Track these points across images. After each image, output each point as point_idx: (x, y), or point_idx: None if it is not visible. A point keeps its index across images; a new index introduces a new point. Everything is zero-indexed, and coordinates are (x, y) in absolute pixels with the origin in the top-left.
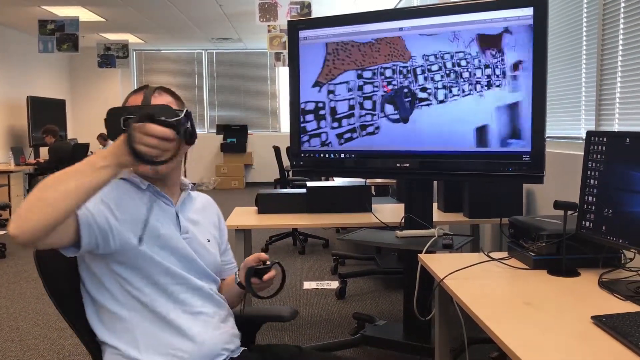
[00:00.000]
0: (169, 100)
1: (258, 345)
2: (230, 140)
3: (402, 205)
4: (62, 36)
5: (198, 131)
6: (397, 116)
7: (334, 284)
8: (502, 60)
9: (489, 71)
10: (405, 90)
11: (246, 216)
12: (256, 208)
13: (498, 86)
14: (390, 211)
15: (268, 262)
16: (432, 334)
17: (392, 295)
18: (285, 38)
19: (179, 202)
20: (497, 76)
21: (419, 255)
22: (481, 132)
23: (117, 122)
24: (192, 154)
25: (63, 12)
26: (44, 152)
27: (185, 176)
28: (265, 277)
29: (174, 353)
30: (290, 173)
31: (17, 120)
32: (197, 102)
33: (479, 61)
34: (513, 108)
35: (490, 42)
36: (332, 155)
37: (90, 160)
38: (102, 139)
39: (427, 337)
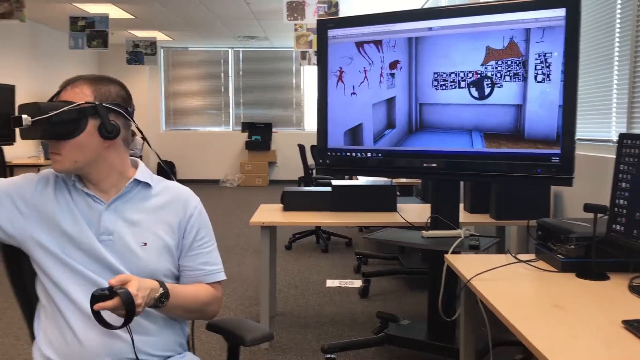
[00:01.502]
0: (83, 91)
1: None
2: (255, 138)
3: (427, 206)
4: (92, 33)
5: (223, 129)
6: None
7: (357, 283)
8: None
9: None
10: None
11: (271, 213)
12: (281, 205)
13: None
14: (415, 211)
15: (117, 289)
16: (457, 334)
17: (415, 295)
18: (311, 37)
19: (114, 199)
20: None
21: (445, 255)
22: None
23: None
24: (217, 151)
25: (94, 9)
26: None
27: (210, 173)
28: (96, 306)
29: (63, 354)
30: (314, 171)
31: None
32: (222, 100)
33: (513, 64)
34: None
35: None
36: (359, 154)
37: None
38: None
39: (451, 338)
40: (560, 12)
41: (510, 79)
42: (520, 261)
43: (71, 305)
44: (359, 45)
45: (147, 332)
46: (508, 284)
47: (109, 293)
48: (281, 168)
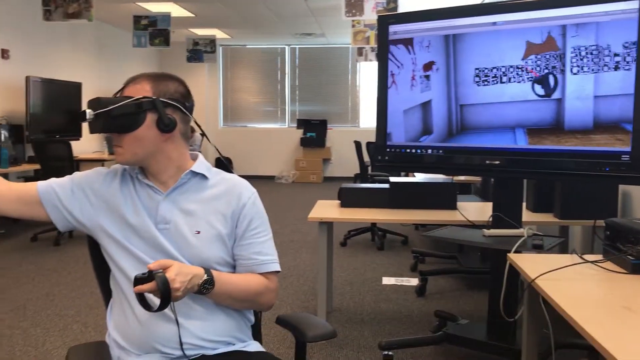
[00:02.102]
0: (144, 88)
1: (250, 352)
2: (310, 134)
3: (487, 204)
4: (154, 31)
5: (279, 125)
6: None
7: (414, 281)
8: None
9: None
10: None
11: (329, 209)
12: (338, 201)
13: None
14: (475, 209)
15: (155, 273)
16: (518, 335)
17: (473, 295)
18: (369, 33)
19: (171, 190)
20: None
21: (508, 254)
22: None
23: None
24: (273, 148)
25: (156, 8)
26: None
27: (265, 169)
28: (135, 289)
29: (126, 336)
30: (370, 168)
31: None
32: (278, 97)
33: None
34: None
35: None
36: (419, 151)
37: None
38: None
39: (511, 339)
40: (633, 5)
41: (549, 72)
42: (587, 262)
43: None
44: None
45: (200, 317)
46: (575, 285)
47: (148, 276)
48: (335, 165)
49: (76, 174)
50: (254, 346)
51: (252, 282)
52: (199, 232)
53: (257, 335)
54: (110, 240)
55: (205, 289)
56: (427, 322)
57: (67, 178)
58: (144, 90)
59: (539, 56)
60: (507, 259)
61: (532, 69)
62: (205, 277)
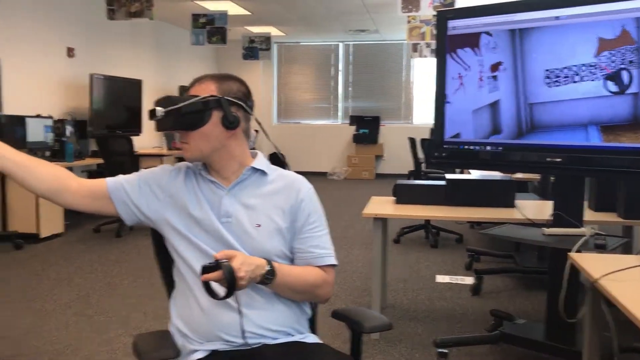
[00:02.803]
0: (209, 87)
1: (308, 343)
2: (363, 131)
3: (546, 202)
4: (212, 29)
5: (331, 122)
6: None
7: (469, 280)
8: None
9: None
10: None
11: (383, 205)
12: (392, 198)
13: None
14: (534, 208)
15: (222, 262)
16: (577, 337)
17: (531, 295)
18: (424, 28)
19: (233, 185)
20: None
21: (569, 254)
22: None
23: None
24: (325, 144)
25: (214, 6)
26: None
27: (317, 165)
28: (202, 277)
29: (189, 324)
30: (423, 165)
31: None
32: (332, 93)
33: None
34: None
35: None
36: (477, 147)
37: None
38: None
39: (571, 340)
40: None
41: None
42: None
43: (197, 280)
44: (452, 50)
45: (261, 307)
46: None
47: (215, 266)
48: (388, 162)
49: (143, 171)
50: (312, 338)
51: (310, 274)
52: (259, 226)
53: (312, 328)
54: (175, 233)
55: (267, 279)
56: (482, 321)
57: (134, 175)
58: (209, 90)
59: (613, 52)
60: (568, 258)
61: (606, 65)
62: (267, 267)
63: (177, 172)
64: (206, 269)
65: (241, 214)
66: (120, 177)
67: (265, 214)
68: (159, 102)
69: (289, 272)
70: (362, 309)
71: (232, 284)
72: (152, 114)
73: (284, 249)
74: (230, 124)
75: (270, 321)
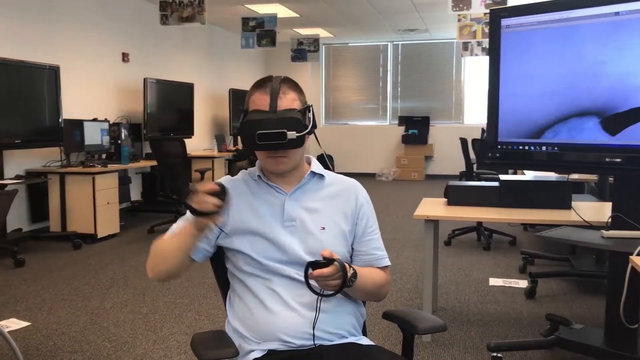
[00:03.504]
0: (294, 97)
1: (363, 345)
2: (412, 131)
3: (604, 204)
4: (261, 32)
5: (380, 123)
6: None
7: (523, 283)
8: None
9: None
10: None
11: (435, 207)
12: (443, 199)
13: None
14: (591, 209)
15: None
16: (639, 343)
17: (588, 299)
18: (475, 27)
19: (295, 189)
20: None
21: (630, 257)
22: None
23: (253, 137)
24: (374, 145)
25: (263, 9)
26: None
27: (366, 166)
28: (316, 272)
29: (248, 325)
30: (475, 166)
31: (220, 110)
32: (380, 94)
33: None
34: None
35: None
36: (532, 147)
37: (182, 225)
38: None
39: (632, 346)
40: None
41: None
42: None
43: (259, 282)
44: (505, 49)
45: (324, 310)
46: None
47: (325, 262)
48: (438, 162)
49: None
50: (365, 340)
51: (377, 275)
52: (324, 228)
53: (363, 331)
54: (238, 254)
55: (351, 281)
56: (537, 326)
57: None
58: (295, 101)
59: None
60: (629, 261)
61: None
62: (352, 270)
63: (243, 179)
64: (314, 265)
65: (305, 217)
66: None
67: (329, 217)
68: (282, 123)
69: (364, 275)
70: (414, 310)
71: (344, 279)
72: (282, 136)
73: (346, 252)
74: (312, 133)
75: (331, 324)
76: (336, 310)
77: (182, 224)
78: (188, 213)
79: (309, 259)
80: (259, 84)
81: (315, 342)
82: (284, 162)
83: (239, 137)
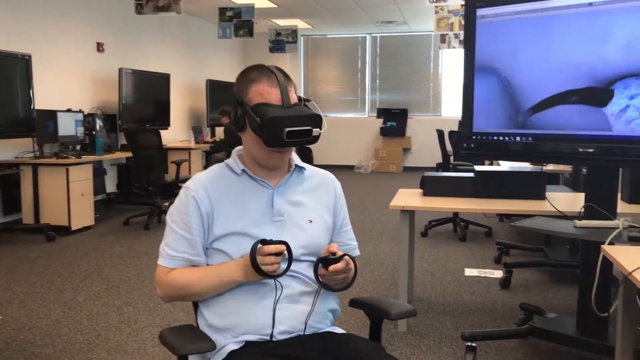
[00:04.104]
0: (294, 90)
1: (338, 334)
2: (390, 124)
3: (578, 194)
4: (239, 23)
5: (359, 115)
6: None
7: (498, 273)
8: None
9: None
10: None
11: (411, 197)
12: (420, 190)
13: None
14: (565, 200)
15: (338, 254)
16: (610, 331)
17: (561, 289)
18: (453, 19)
19: (281, 184)
20: None
21: (602, 246)
22: None
23: (280, 133)
24: (352, 138)
25: None
26: (219, 131)
27: (344, 158)
28: (331, 267)
29: (225, 319)
30: (452, 157)
31: (197, 101)
32: (359, 86)
33: None
34: None
35: None
36: (507, 138)
37: (229, 275)
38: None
39: (603, 334)
40: None
41: None
42: None
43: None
44: (480, 39)
45: (308, 303)
46: None
47: (335, 257)
48: (416, 154)
49: (176, 223)
50: (338, 329)
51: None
52: (311, 222)
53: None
54: (217, 251)
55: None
56: (511, 315)
57: (185, 235)
58: (295, 94)
59: None
60: (601, 251)
61: None
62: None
63: (197, 204)
64: (326, 262)
65: (291, 211)
66: (183, 254)
67: (314, 210)
68: (306, 120)
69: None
70: (382, 297)
71: (355, 273)
72: (308, 133)
73: (327, 243)
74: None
75: (321, 314)
76: (321, 304)
77: (215, 268)
78: (178, 229)
79: (300, 252)
80: (261, 75)
81: (287, 335)
82: (286, 157)
83: (215, 128)
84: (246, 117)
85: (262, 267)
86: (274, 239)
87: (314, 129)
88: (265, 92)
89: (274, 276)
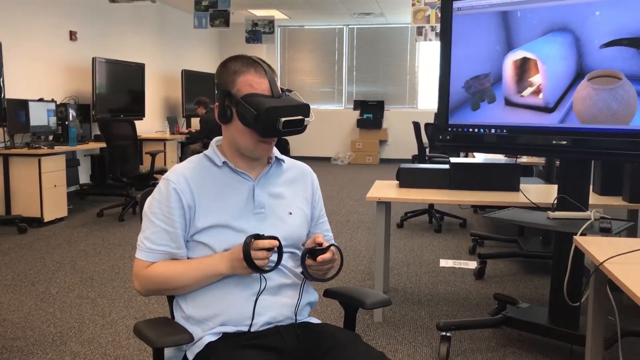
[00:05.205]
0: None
1: (315, 324)
2: (367, 116)
3: (551, 186)
4: (214, 12)
5: (335, 107)
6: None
7: (472, 264)
8: None
9: None
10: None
11: (387, 189)
12: (396, 182)
13: None
14: (538, 192)
15: (324, 245)
16: (581, 321)
17: (534, 280)
18: (429, 11)
19: (261, 176)
20: None
21: (574, 237)
22: None
23: (276, 123)
24: (329, 129)
25: None
26: (195, 122)
27: (321, 150)
28: (319, 258)
29: (202, 311)
30: (428, 150)
31: (173, 92)
32: (335, 78)
33: None
34: None
35: None
36: (482, 130)
37: (214, 268)
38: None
39: (574, 324)
40: None
41: None
42: None
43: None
44: (456, 32)
45: (289, 295)
46: None
47: (322, 248)
48: (392, 146)
49: (156, 215)
50: (314, 319)
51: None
52: (291, 214)
53: None
54: (197, 243)
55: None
56: (485, 305)
57: (166, 227)
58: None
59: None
60: (573, 241)
61: None
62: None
63: (178, 197)
64: (313, 253)
65: (272, 203)
66: (163, 247)
67: (293, 202)
68: (297, 110)
69: None
70: (357, 287)
71: (342, 264)
72: (300, 123)
73: (306, 235)
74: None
75: (301, 305)
76: (303, 296)
77: (201, 259)
78: (158, 221)
79: (283, 244)
80: (247, 65)
81: (267, 326)
82: (268, 149)
83: (191, 119)
84: (234, 108)
85: (257, 262)
86: (257, 232)
87: (306, 119)
88: (255, 83)
89: (265, 271)
